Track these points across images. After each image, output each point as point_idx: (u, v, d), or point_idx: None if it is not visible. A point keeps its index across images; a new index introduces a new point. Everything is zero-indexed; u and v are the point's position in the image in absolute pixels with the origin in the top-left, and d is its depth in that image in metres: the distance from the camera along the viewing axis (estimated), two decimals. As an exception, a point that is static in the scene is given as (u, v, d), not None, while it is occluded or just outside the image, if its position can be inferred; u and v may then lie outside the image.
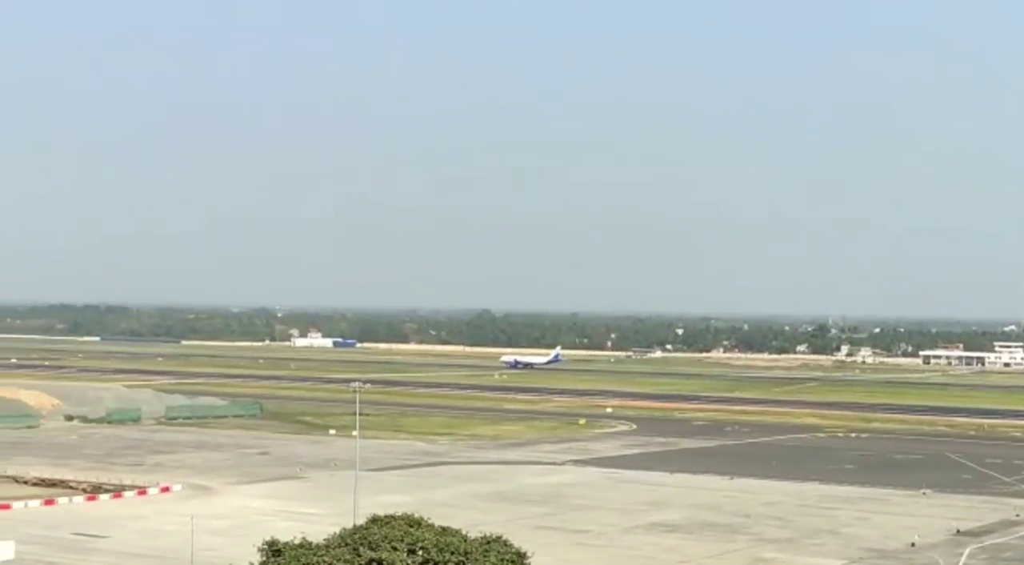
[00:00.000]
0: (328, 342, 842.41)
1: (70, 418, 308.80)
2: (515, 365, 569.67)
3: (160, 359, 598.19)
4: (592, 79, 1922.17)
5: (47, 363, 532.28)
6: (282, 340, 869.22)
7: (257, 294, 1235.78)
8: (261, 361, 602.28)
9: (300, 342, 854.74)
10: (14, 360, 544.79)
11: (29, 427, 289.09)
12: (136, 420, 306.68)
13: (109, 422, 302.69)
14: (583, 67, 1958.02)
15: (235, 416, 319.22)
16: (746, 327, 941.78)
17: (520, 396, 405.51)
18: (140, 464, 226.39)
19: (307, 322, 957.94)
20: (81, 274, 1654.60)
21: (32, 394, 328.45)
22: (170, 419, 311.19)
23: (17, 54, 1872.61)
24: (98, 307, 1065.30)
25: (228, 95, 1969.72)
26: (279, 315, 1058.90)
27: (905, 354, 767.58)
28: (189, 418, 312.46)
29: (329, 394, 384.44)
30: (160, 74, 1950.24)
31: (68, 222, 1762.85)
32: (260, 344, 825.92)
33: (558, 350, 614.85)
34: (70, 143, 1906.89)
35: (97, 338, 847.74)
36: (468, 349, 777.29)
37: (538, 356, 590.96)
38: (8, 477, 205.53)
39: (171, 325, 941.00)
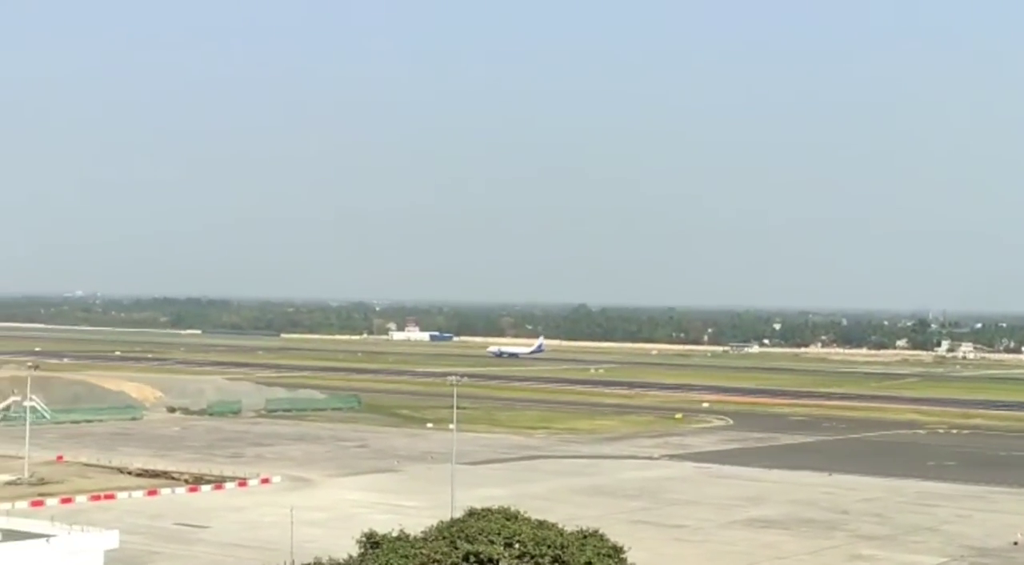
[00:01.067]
0: (425, 336, 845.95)
1: (172, 410, 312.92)
2: (499, 355, 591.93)
3: (260, 352, 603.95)
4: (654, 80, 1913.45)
5: (150, 356, 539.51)
6: (380, 334, 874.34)
7: (356, 288, 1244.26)
8: (359, 354, 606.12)
9: (398, 336, 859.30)
10: (118, 353, 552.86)
11: (133, 418, 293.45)
12: (236, 412, 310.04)
13: (210, 414, 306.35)
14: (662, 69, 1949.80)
15: (334, 409, 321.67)
16: (844, 322, 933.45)
17: (616, 390, 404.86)
18: (240, 456, 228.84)
19: (405, 316, 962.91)
20: (184, 268, 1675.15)
21: (136, 386, 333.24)
22: (270, 411, 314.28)
23: (132, 52, 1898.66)
24: (200, 300, 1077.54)
25: (329, 93, 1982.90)
26: (377, 309, 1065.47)
27: (1007, 350, 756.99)
28: (289, 411, 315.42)
29: (426, 387, 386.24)
30: (282, 72, 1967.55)
31: (172, 216, 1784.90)
32: (358, 338, 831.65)
33: (541, 340, 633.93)
34: (175, 138, 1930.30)
35: (199, 331, 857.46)
36: (564, 343, 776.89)
37: (522, 346, 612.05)
38: (113, 467, 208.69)
39: (271, 318, 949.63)
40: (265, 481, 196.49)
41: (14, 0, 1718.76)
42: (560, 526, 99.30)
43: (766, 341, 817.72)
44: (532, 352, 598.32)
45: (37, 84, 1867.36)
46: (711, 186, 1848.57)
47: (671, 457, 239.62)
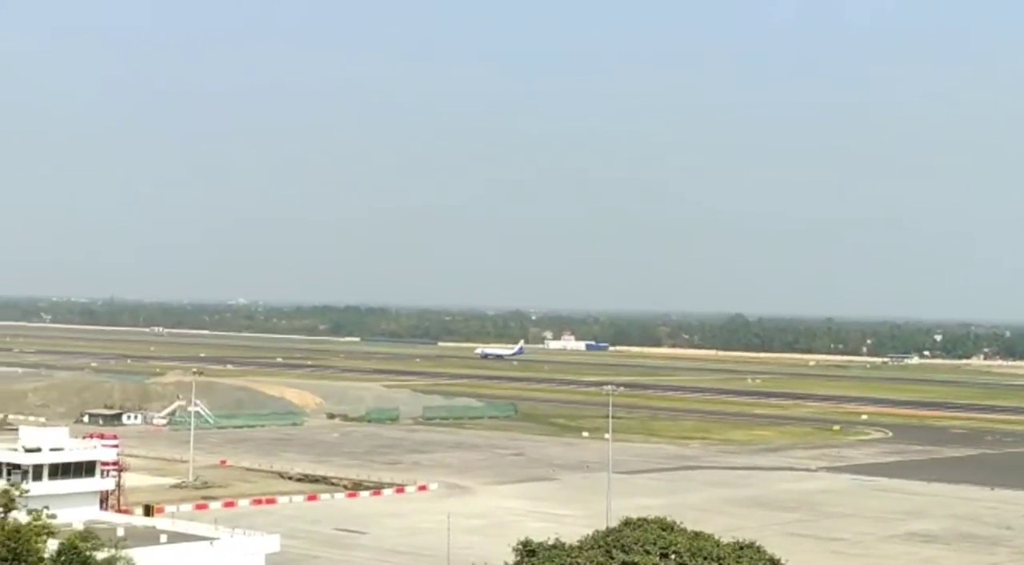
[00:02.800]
0: (581, 345, 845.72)
1: (332, 416, 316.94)
2: (486, 356, 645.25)
3: (418, 360, 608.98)
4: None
5: (310, 363, 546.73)
6: (536, 342, 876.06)
7: (512, 297, 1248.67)
8: (515, 363, 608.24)
9: (553, 344, 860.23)
10: (279, 359, 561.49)
11: (294, 424, 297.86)
12: (394, 419, 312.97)
13: (369, 421, 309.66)
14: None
15: (490, 417, 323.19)
16: (1008, 334, 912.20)
17: (773, 401, 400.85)
18: (398, 462, 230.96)
19: (560, 325, 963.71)
20: (344, 276, 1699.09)
21: (296, 393, 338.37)
22: (427, 419, 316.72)
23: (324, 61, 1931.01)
24: (359, 308, 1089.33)
25: (514, 109, 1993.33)
26: (533, 318, 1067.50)
27: None
28: (446, 418, 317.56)
29: (582, 397, 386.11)
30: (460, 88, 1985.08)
31: (332, 226, 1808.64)
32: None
33: (521, 344, 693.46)
34: (338, 151, 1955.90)
35: (357, 339, 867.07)
36: (721, 353, 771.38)
37: (505, 349, 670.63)
38: (274, 472, 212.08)
39: (428, 327, 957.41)
40: (422, 488, 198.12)
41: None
42: (716, 537, 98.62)
43: (926, 353, 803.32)
44: (513, 354, 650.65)
45: (203, 96, 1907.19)
46: (867, 196, 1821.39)
47: (829, 469, 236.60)
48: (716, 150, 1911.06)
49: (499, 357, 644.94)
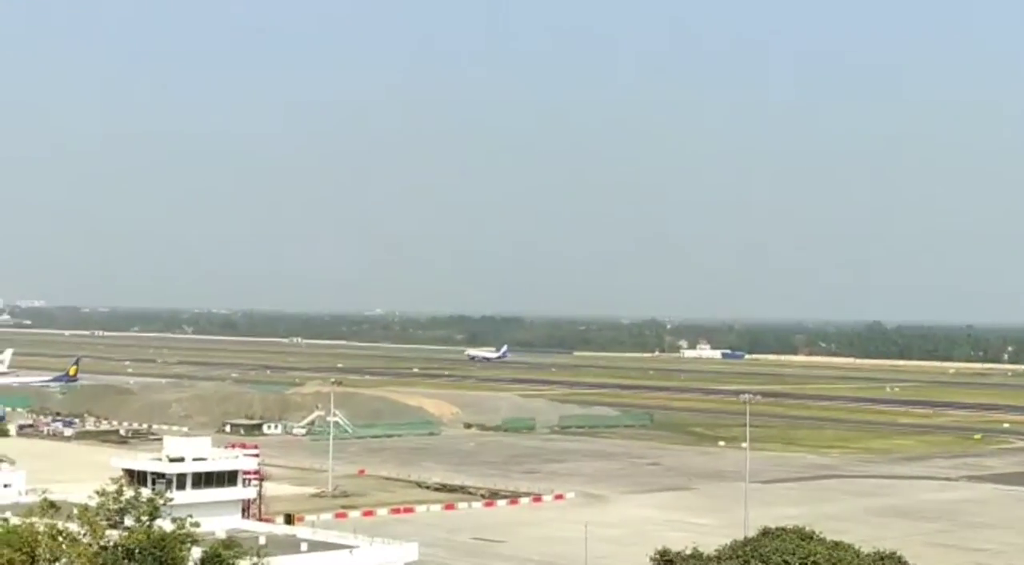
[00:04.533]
0: (717, 353, 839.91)
1: (469, 426, 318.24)
2: (473, 359, 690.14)
3: (553, 369, 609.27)
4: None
5: (447, 373, 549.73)
6: (671, 351, 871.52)
7: (647, 305, 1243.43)
8: (651, 372, 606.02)
9: (689, 353, 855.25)
10: (416, 370, 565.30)
11: (431, 434, 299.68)
12: (531, 429, 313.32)
13: (505, 430, 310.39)
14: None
15: (626, 426, 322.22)
16: None
17: (913, 410, 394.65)
18: (535, 472, 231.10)
19: (696, 333, 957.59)
20: (479, 287, 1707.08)
21: (434, 402, 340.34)
22: (563, 428, 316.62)
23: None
24: (494, 318, 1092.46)
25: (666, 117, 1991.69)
26: (668, 326, 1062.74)
27: None
28: (582, 427, 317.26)
29: (718, 405, 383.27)
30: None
31: (467, 237, 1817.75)
32: (649, 355, 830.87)
33: (505, 348, 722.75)
34: (471, 168, 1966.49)
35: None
36: (858, 361, 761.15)
37: (491, 352, 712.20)
38: (412, 481, 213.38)
39: (563, 336, 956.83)
40: (559, 497, 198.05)
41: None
42: (856, 547, 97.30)
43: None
44: (499, 357, 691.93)
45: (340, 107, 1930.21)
46: (1007, 202, 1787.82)
47: (971, 478, 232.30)
48: (855, 155, 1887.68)
49: (486, 359, 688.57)
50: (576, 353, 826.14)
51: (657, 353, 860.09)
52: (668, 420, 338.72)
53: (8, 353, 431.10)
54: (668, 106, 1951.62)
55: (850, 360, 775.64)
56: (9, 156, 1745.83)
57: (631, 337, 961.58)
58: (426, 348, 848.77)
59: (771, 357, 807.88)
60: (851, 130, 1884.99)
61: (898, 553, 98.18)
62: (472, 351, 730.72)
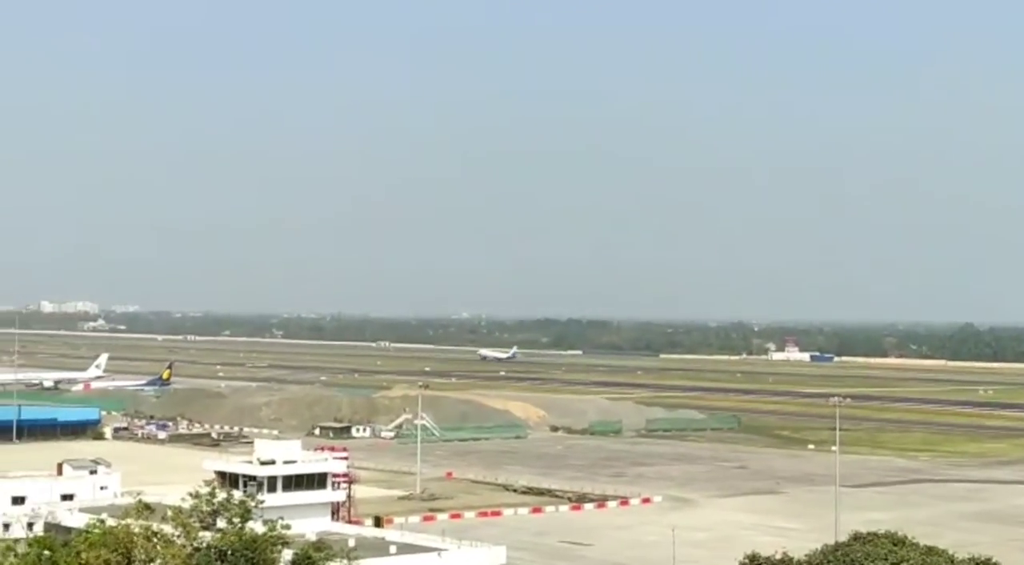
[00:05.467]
0: (805, 356, 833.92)
1: (555, 429, 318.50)
2: (484, 358, 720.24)
3: (640, 372, 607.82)
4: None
5: (533, 376, 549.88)
6: (759, 354, 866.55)
7: (734, 308, 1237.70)
8: (738, 375, 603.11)
9: (777, 356, 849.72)
10: (502, 373, 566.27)
11: (517, 437, 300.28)
12: (617, 432, 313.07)
13: (592, 433, 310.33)
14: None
15: (713, 429, 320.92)
16: None
17: (1007, 413, 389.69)
18: (622, 475, 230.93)
19: (784, 336, 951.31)
20: (565, 290, 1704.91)
21: (520, 406, 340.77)
22: (650, 431, 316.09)
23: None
24: (580, 321, 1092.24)
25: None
26: (756, 329, 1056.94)
27: None
28: (668, 431, 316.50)
29: (806, 408, 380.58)
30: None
31: (556, 241, 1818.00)
32: (737, 358, 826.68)
33: (515, 349, 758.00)
34: (566, 177, 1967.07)
35: (579, 352, 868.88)
36: (950, 364, 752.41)
37: (501, 353, 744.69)
38: (498, 485, 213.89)
39: (650, 339, 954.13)
40: (646, 501, 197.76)
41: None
42: (950, 553, 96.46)
43: None
44: (508, 357, 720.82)
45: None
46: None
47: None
48: (948, 155, 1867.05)
49: (498, 359, 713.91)
50: (662, 356, 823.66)
51: (744, 356, 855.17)
52: (755, 423, 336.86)
53: (103, 357, 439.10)
54: (754, 113, 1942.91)
55: (941, 362, 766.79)
56: (103, 163, 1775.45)
57: (718, 340, 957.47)
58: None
59: (860, 360, 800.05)
60: (949, 131, 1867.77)
61: (993, 559, 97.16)
62: (484, 351, 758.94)
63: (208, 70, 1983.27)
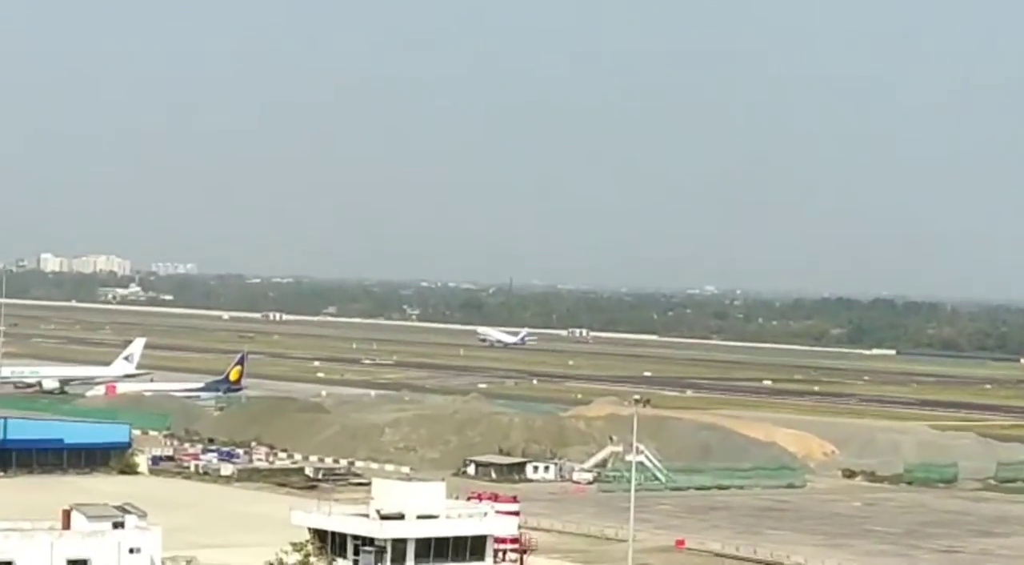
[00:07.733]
0: None
1: (851, 474, 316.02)
2: (484, 341, 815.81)
3: (990, 386, 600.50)
4: None
5: (816, 389, 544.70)
6: None
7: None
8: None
9: None
10: (767, 383, 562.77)
11: (791, 485, 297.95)
12: (950, 480, 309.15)
13: (909, 482, 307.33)
14: None
15: None
16: None
17: None
18: (956, 550, 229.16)
19: None
20: (867, 258, 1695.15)
21: (794, 436, 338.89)
22: (1003, 481, 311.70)
23: None
24: (894, 303, 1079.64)
25: None
26: None
27: None
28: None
29: None
30: None
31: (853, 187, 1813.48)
32: None
33: (525, 331, 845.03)
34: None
35: (892, 351, 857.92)
36: None
37: (508, 335, 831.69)
38: (759, 561, 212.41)
39: (1007, 333, 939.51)
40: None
41: None
42: None
43: None
44: (517, 342, 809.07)
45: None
46: None
47: None
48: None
49: (502, 344, 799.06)
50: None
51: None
52: None
53: (138, 344, 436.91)
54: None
55: None
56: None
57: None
58: (785, 348, 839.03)
59: None
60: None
61: None
62: (484, 331, 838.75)
63: None
